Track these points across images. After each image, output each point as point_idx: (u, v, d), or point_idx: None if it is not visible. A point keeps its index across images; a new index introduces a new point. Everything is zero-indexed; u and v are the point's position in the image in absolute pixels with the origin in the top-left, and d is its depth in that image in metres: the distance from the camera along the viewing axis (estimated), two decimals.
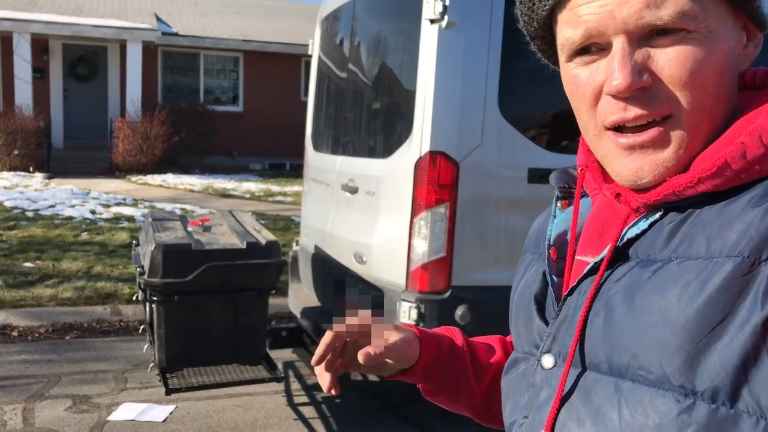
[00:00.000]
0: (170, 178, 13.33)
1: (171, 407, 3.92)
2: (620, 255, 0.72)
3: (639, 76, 0.66)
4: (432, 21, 3.26)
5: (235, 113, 16.90)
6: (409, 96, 3.44)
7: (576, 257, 0.79)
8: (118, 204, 10.10)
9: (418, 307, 3.32)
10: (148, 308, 3.61)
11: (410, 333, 0.97)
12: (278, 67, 16.90)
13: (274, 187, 12.85)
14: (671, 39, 0.66)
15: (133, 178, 13.28)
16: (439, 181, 3.31)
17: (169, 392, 3.20)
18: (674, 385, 0.62)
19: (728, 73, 0.68)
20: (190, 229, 3.72)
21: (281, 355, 4.53)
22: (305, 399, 4.16)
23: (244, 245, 3.31)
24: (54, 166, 13.79)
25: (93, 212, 9.24)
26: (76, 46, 15.69)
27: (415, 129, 3.36)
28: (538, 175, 3.44)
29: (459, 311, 3.35)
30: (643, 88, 0.67)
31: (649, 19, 0.65)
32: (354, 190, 3.86)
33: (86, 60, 16.11)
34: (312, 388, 4.28)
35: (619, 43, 0.67)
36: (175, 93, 16.51)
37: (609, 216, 0.77)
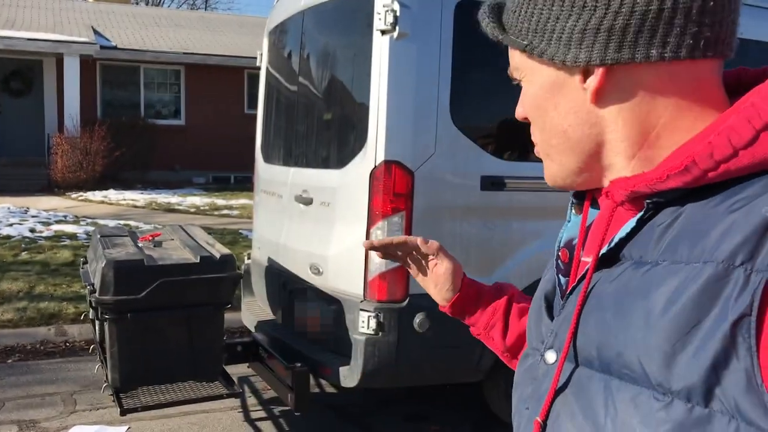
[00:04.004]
0: (112, 194, 13.01)
1: (123, 428, 3.82)
2: (615, 255, 0.75)
3: (518, 108, 0.86)
4: (383, 32, 3.28)
5: (177, 126, 16.63)
6: (362, 107, 3.45)
7: (582, 259, 0.83)
8: (58, 222, 9.81)
9: (376, 316, 3.32)
10: (99, 327, 3.51)
11: (459, 269, 1.19)
12: (220, 79, 16.72)
13: (220, 201, 12.68)
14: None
15: (74, 195, 12.92)
16: (394, 190, 3.32)
17: (123, 413, 3.12)
18: (653, 383, 0.65)
19: (553, 104, 0.79)
20: (140, 244, 3.64)
21: (236, 371, 4.45)
22: (262, 414, 4.11)
23: (197, 259, 3.25)
24: None
25: (32, 231, 8.95)
26: (10, 59, 15.19)
27: (369, 139, 3.37)
28: (491, 183, 3.50)
29: (417, 319, 3.36)
30: (525, 118, 0.84)
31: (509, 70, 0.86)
32: (308, 202, 3.84)
33: (21, 74, 15.62)
34: (269, 403, 4.23)
35: None
36: (115, 107, 16.14)
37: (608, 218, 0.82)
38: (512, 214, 3.56)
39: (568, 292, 0.80)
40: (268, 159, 4.59)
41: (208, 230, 9.50)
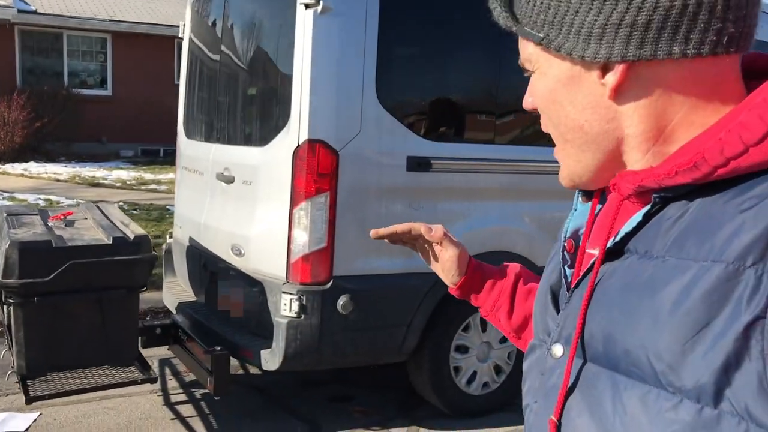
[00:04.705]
0: (33, 167, 12.46)
1: (35, 414, 3.65)
2: (621, 249, 0.74)
3: (526, 98, 0.82)
4: (307, 6, 3.18)
5: (104, 97, 16.00)
6: (286, 83, 3.34)
7: (587, 250, 0.82)
8: None
9: (299, 299, 3.25)
10: (5, 311, 3.33)
11: (465, 254, 1.19)
12: (149, 48, 16.13)
13: (147, 175, 12.30)
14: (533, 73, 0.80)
15: None
16: (318, 170, 3.24)
17: (29, 401, 2.98)
18: (662, 383, 0.64)
19: (569, 98, 0.76)
20: (51, 224, 3.45)
21: (157, 353, 4.33)
22: (183, 397, 4.00)
23: (110, 241, 3.11)
24: None
25: None
26: None
27: (292, 117, 3.27)
28: (416, 163, 3.45)
29: (341, 301, 3.31)
30: (534, 109, 0.80)
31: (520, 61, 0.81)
32: (230, 180, 3.72)
33: None
34: (190, 386, 4.12)
35: None
36: (37, 76, 15.39)
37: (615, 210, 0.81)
38: (438, 195, 3.53)
39: (573, 284, 0.79)
40: (189, 134, 4.43)
41: (135, 206, 9.24)
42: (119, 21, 15.60)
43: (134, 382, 3.19)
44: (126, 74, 16.10)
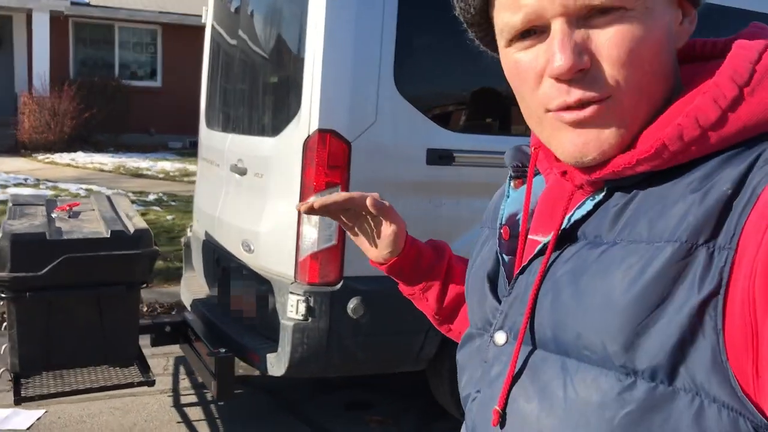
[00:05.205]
0: (80, 157, 12.59)
1: (39, 412, 3.53)
2: (569, 235, 0.73)
3: (580, 57, 0.66)
4: None
5: (153, 88, 16.13)
6: (298, 69, 3.11)
7: (529, 236, 0.80)
8: (17, 185, 9.43)
9: (306, 300, 3.03)
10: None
11: (404, 230, 1.08)
12: (199, 40, 16.15)
13: (192, 167, 12.29)
14: (609, 18, 0.66)
15: (40, 157, 12.49)
16: (329, 162, 3.01)
17: (18, 401, 2.83)
18: (616, 364, 0.64)
19: (666, 51, 0.69)
20: (54, 215, 3.32)
21: (172, 350, 4.19)
22: (193, 399, 3.83)
23: (108, 234, 2.94)
24: None
25: None
26: None
27: (303, 105, 3.04)
28: (437, 156, 3.18)
29: (351, 304, 3.07)
30: (584, 70, 0.67)
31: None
32: (243, 172, 3.52)
33: None
34: (202, 386, 3.95)
35: (558, 25, 0.67)
36: (89, 67, 15.60)
37: (560, 195, 0.78)
38: (461, 191, 3.25)
39: (518, 271, 0.77)
40: (209, 124, 4.25)
41: (174, 197, 9.19)
42: (169, 13, 15.68)
43: (130, 385, 3.02)
44: (175, 66, 16.20)
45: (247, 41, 3.75)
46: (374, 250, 1.10)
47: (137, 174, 11.23)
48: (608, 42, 0.66)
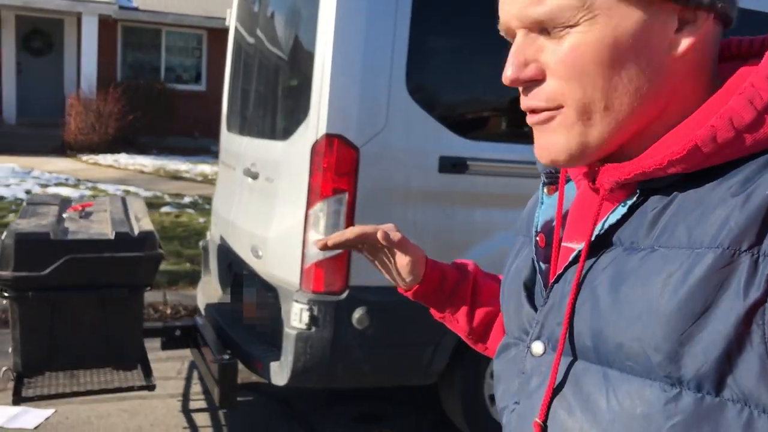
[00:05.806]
0: (123, 159, 12.81)
1: (49, 412, 3.53)
2: (603, 241, 0.71)
3: (523, 69, 0.69)
4: None
5: (198, 92, 16.36)
6: (308, 72, 3.05)
7: (563, 244, 0.79)
8: (58, 184, 9.62)
9: (310, 309, 2.95)
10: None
11: (422, 257, 1.07)
12: None
13: None
14: (562, 32, 0.67)
15: (84, 158, 12.75)
16: (336, 168, 2.93)
17: (17, 401, 2.82)
18: (660, 375, 0.62)
19: (640, 59, 0.66)
20: (66, 215, 3.31)
21: (187, 354, 4.15)
22: (202, 404, 3.79)
23: (112, 236, 2.91)
24: (2, 143, 13.21)
25: (28, 192, 8.75)
26: (30, 18, 15.03)
27: (312, 109, 2.97)
28: (451, 164, 3.08)
29: (357, 314, 2.98)
30: (534, 80, 0.69)
31: (533, 15, 0.68)
32: (255, 176, 3.47)
33: (41, 33, 15.45)
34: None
35: (518, 37, 0.70)
36: (137, 70, 15.92)
37: (591, 201, 0.77)
38: (475, 201, 3.14)
39: (553, 280, 0.76)
40: (229, 127, 4.22)
41: (208, 199, 9.25)
42: (215, 18, 15.88)
43: (131, 389, 2.99)
44: (220, 70, 16.36)
45: (263, 43, 3.71)
46: (397, 279, 1.10)
47: (176, 176, 11.36)
48: (554, 55, 0.68)
